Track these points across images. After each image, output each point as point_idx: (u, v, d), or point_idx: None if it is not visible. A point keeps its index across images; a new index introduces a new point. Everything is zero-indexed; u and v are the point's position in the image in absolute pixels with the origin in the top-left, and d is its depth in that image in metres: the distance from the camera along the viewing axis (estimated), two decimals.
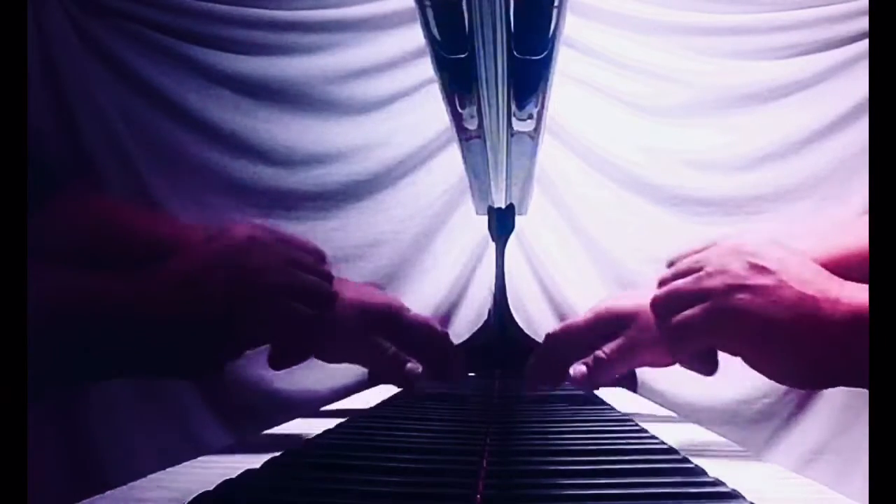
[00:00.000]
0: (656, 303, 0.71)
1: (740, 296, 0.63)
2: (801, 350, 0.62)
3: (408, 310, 0.93)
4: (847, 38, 1.54)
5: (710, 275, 0.66)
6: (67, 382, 0.75)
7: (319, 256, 0.74)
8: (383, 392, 1.03)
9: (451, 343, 0.97)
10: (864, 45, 1.51)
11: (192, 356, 0.65)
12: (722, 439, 0.76)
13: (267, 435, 0.75)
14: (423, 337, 0.91)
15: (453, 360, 0.94)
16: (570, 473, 0.48)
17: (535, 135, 0.87)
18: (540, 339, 1.45)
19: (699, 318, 0.66)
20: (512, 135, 0.84)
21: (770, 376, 0.67)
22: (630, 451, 0.57)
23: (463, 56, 0.67)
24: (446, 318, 1.54)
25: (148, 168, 1.56)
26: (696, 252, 0.71)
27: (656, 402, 1.12)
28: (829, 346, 0.61)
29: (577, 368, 0.87)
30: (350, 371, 1.22)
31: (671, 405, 1.20)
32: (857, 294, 0.61)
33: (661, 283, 0.72)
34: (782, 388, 1.55)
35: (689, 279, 0.68)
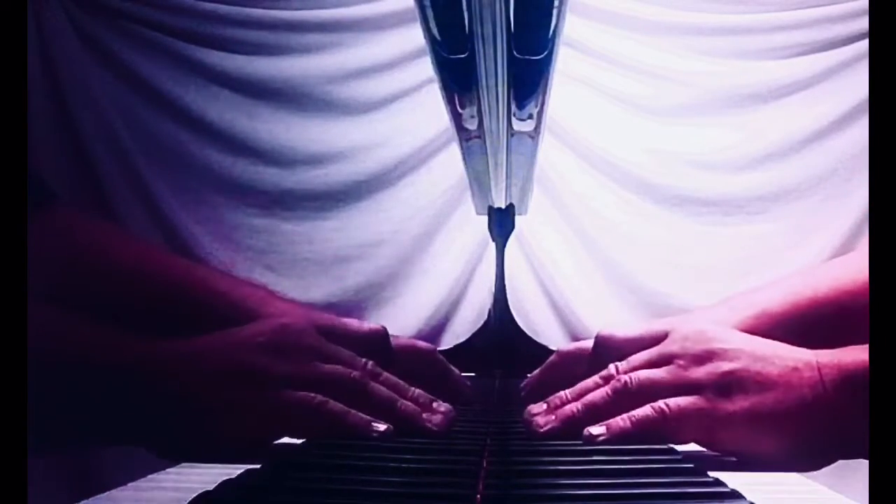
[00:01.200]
0: (629, 390, 0.62)
1: (732, 386, 0.59)
2: (801, 427, 0.59)
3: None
4: (847, 38, 1.54)
5: (684, 366, 0.60)
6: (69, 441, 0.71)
7: (367, 343, 0.67)
8: None
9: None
10: (864, 45, 1.52)
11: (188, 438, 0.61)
12: None
13: None
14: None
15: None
16: (570, 473, 0.48)
17: (535, 135, 0.87)
18: (539, 339, 1.46)
19: (692, 410, 0.59)
20: (512, 135, 0.84)
21: (777, 461, 0.63)
22: (630, 451, 0.57)
23: (463, 56, 0.67)
24: (443, 320, 1.54)
25: (148, 168, 1.56)
26: (646, 337, 0.65)
27: None
28: (819, 416, 0.58)
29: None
30: None
31: None
32: (815, 359, 0.59)
33: (618, 373, 0.63)
34: None
35: (663, 370, 0.62)
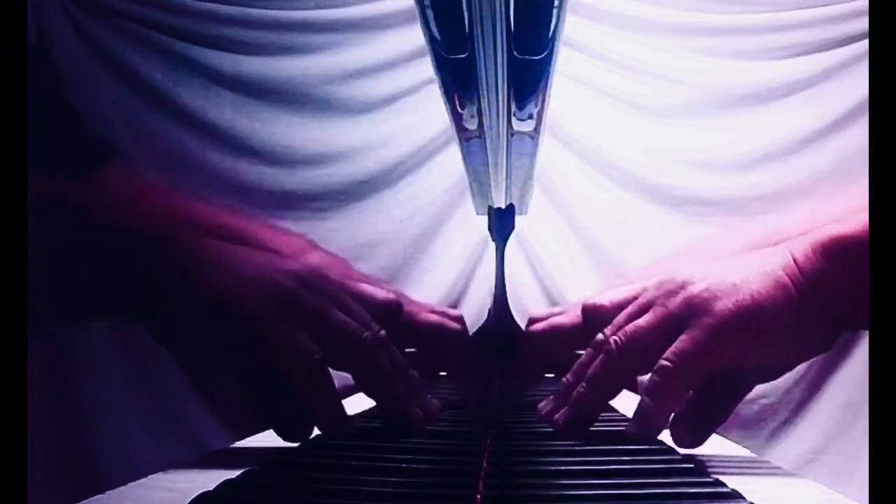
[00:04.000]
0: (621, 347, 0.62)
1: (710, 300, 0.60)
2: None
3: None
4: (847, 38, 1.54)
5: (663, 303, 0.61)
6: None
7: (382, 309, 0.66)
8: None
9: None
10: (864, 45, 1.52)
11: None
12: (722, 439, 0.76)
13: (267, 435, 0.75)
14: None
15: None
16: (570, 473, 0.48)
17: (535, 135, 0.87)
18: None
19: (689, 346, 0.60)
20: (512, 135, 0.84)
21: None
22: (630, 451, 0.57)
23: (463, 56, 0.67)
24: None
25: (148, 168, 1.56)
26: (630, 297, 0.65)
27: None
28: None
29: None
30: None
31: None
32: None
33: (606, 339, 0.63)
34: (782, 387, 1.55)
35: (646, 316, 0.62)
